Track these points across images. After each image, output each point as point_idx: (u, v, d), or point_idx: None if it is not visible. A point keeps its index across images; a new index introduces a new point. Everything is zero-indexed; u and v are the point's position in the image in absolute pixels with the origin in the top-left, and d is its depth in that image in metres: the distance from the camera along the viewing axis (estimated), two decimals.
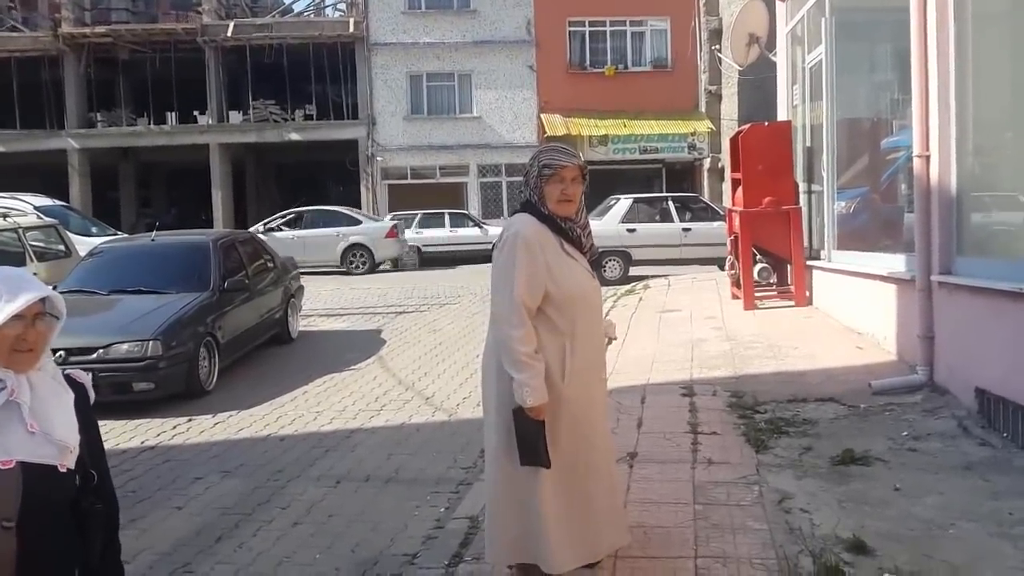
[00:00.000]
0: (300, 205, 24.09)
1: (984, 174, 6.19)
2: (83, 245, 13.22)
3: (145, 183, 32.65)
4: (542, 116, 27.15)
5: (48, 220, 12.94)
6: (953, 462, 4.77)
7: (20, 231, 11.25)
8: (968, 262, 5.82)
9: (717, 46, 23.96)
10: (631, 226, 16.71)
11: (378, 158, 27.67)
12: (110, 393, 7.36)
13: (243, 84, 28.09)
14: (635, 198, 17.64)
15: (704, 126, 26.66)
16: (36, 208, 14.61)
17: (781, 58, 11.44)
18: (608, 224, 16.19)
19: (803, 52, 10.47)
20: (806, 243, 10.20)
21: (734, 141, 11.16)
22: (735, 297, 10.86)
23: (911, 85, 6.24)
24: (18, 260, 10.44)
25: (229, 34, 27.40)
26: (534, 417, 3.13)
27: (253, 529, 4.76)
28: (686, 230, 16.84)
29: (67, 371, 2.25)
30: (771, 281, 10.61)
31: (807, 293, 10.07)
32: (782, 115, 11.32)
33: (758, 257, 10.45)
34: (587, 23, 27.95)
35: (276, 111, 28.04)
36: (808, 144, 10.49)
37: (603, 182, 20.00)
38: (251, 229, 18.40)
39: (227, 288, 8.98)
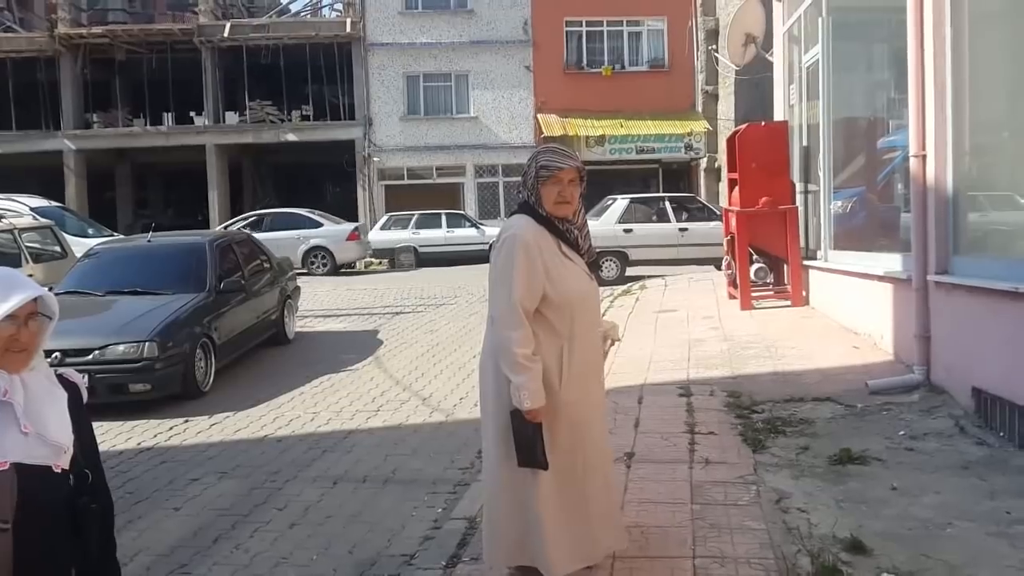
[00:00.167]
0: (264, 207, 24.13)
1: (980, 174, 6.20)
2: (79, 246, 13.23)
3: (141, 184, 32.63)
4: (539, 116, 27.16)
5: (44, 221, 12.93)
6: (950, 462, 4.77)
7: (16, 232, 11.23)
8: (965, 262, 5.82)
9: (714, 46, 23.99)
10: (628, 226, 16.72)
11: (375, 159, 27.66)
12: (106, 394, 7.38)
13: (240, 85, 28.05)
14: (632, 198, 17.65)
15: (701, 126, 26.68)
16: (32, 209, 14.60)
17: (778, 58, 11.45)
18: (605, 224, 16.20)
19: (800, 52, 10.47)
20: (803, 243, 10.20)
21: (731, 141, 11.16)
22: (732, 297, 10.86)
23: (908, 85, 6.24)
24: (14, 261, 10.42)
25: (226, 34, 27.37)
26: (531, 420, 3.12)
27: (250, 530, 4.76)
28: (683, 230, 16.85)
29: (59, 371, 2.25)
30: (768, 281, 10.61)
31: (804, 293, 10.08)
32: (779, 115, 11.32)
33: (755, 257, 10.46)
34: (584, 23, 27.95)
35: (273, 112, 28.01)
36: (805, 144, 10.49)
37: (600, 182, 20.03)
38: (216, 229, 18.39)
39: (223, 289, 8.97)
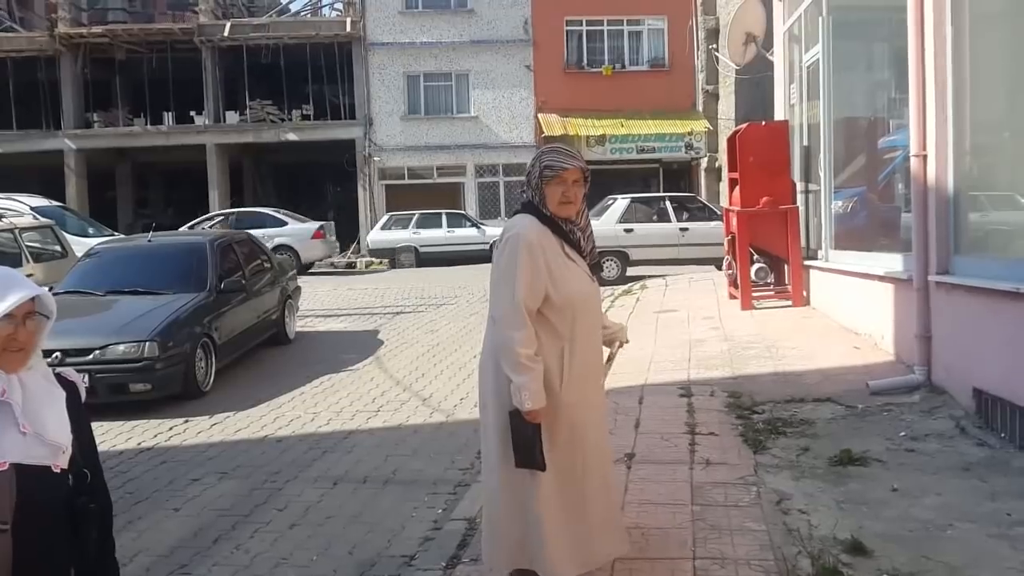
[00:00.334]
0: (232, 206, 24.16)
1: (981, 174, 6.19)
2: (80, 246, 13.23)
3: (142, 183, 32.62)
4: (539, 116, 27.15)
5: (44, 221, 12.92)
6: (951, 463, 4.76)
7: (16, 232, 11.23)
8: (965, 262, 5.82)
9: (714, 45, 23.97)
10: (628, 226, 16.73)
11: (375, 158, 27.65)
12: (107, 394, 7.39)
13: (240, 84, 28.04)
14: (632, 198, 17.65)
15: (701, 125, 26.67)
16: (32, 209, 14.58)
17: (778, 57, 11.44)
18: (605, 224, 16.19)
19: (800, 51, 10.46)
20: (803, 243, 10.19)
21: (731, 140, 11.15)
22: (732, 297, 10.85)
23: (908, 84, 6.24)
24: (14, 261, 10.42)
25: (226, 34, 27.36)
26: (531, 420, 3.12)
27: (250, 531, 4.75)
28: (683, 230, 16.84)
29: (58, 370, 2.24)
30: (768, 281, 10.60)
31: (804, 293, 10.07)
32: (779, 114, 11.31)
33: (755, 257, 10.45)
34: (584, 22, 27.94)
35: (273, 111, 28.00)
36: (805, 143, 10.48)
37: (600, 182, 19.88)
38: (181, 229, 18.36)
39: (224, 289, 8.97)
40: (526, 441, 3.13)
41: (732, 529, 3.98)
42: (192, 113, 27.87)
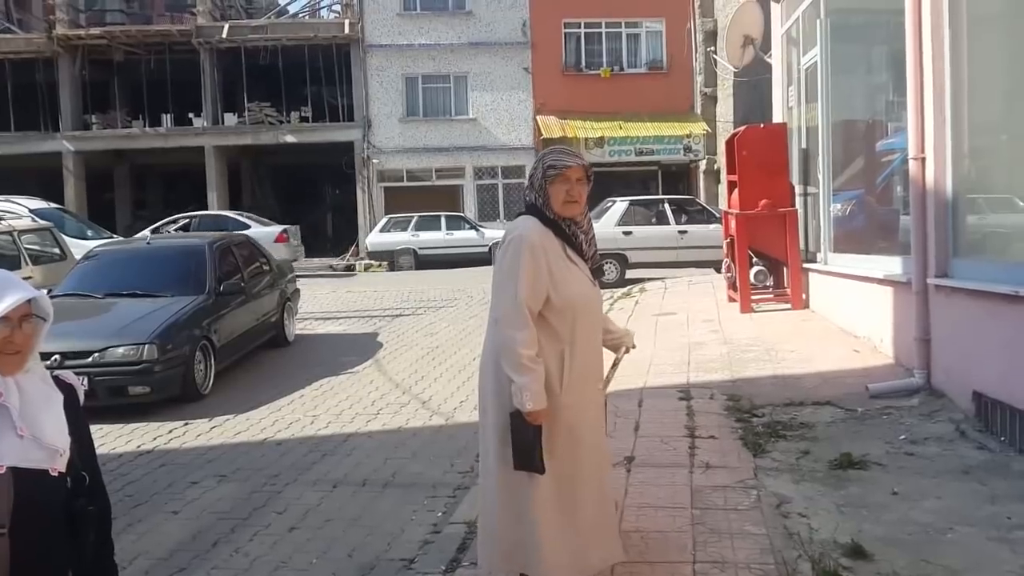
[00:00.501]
0: (190, 210, 24.15)
1: (980, 176, 6.20)
2: (78, 248, 13.21)
3: (140, 185, 32.58)
4: (538, 118, 27.15)
5: (43, 223, 12.92)
6: (951, 466, 4.77)
7: (15, 234, 11.22)
8: (964, 264, 5.82)
9: (712, 48, 24.00)
10: (627, 228, 16.72)
11: (374, 160, 27.64)
12: (106, 397, 7.38)
13: (238, 86, 28.03)
14: (631, 200, 17.65)
15: (700, 128, 26.68)
16: (31, 211, 14.60)
17: (776, 60, 11.45)
18: (604, 226, 16.16)
19: (798, 54, 10.47)
20: (802, 246, 10.20)
21: (730, 143, 11.16)
22: (731, 300, 10.85)
23: (906, 87, 6.24)
24: (13, 263, 10.41)
25: (224, 36, 27.34)
26: (532, 422, 3.11)
27: (249, 534, 4.75)
28: (682, 232, 16.84)
29: (56, 373, 2.24)
30: (767, 284, 10.61)
31: (803, 296, 10.07)
32: (777, 117, 11.32)
33: (754, 260, 10.45)
34: (582, 25, 27.94)
35: (271, 113, 27.99)
36: (804, 146, 10.49)
37: (599, 184, 19.68)
38: (141, 234, 18.30)
39: (223, 291, 8.97)
40: (526, 444, 3.13)
41: (732, 533, 3.97)
42: (190, 115, 27.86)
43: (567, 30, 27.91)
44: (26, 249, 11.26)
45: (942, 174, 5.93)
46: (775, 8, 11.23)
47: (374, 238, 23.64)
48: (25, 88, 27.25)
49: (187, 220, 22.07)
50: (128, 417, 7.33)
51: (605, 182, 22.91)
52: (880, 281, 7.39)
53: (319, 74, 27.53)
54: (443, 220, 23.58)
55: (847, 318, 8.52)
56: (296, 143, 28.14)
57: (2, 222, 11.29)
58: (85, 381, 6.72)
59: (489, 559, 3.41)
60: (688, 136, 26.89)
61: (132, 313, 8.20)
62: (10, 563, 1.99)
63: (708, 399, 6.46)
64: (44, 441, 2.04)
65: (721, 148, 19.31)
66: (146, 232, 20.34)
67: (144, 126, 28.12)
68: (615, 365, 3.76)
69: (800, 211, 10.27)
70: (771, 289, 10.58)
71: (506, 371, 3.15)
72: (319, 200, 34.31)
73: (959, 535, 3.86)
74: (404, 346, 10.40)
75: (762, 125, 11.07)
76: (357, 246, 26.41)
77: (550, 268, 3.20)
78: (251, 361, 9.56)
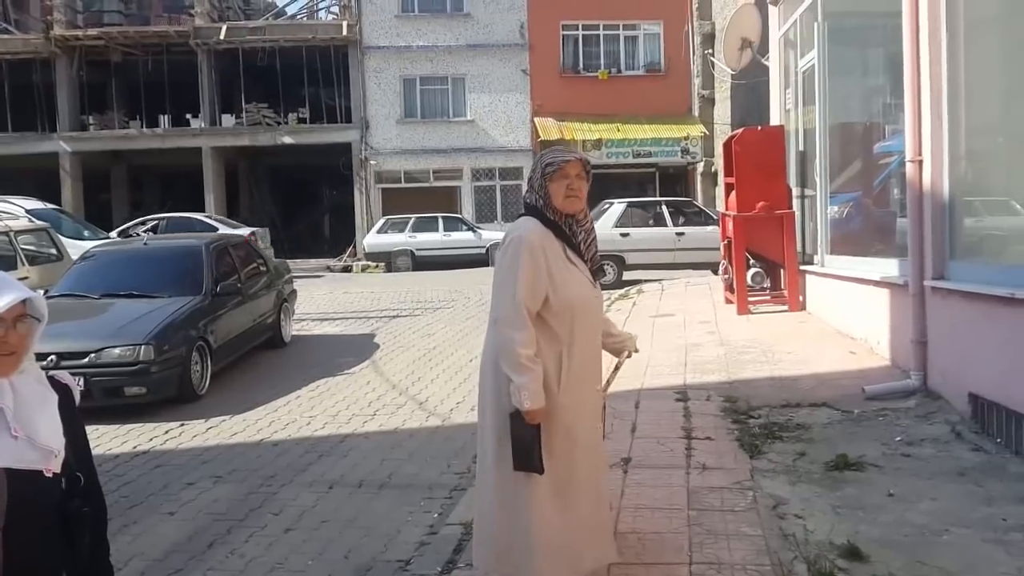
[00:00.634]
0: (166, 210, 24.10)
1: (977, 179, 6.20)
2: (75, 248, 13.18)
3: (137, 186, 32.54)
4: (535, 120, 27.17)
5: (40, 223, 12.92)
6: (947, 468, 4.77)
7: (11, 235, 11.21)
8: (961, 267, 5.83)
9: (710, 50, 24.02)
10: (625, 230, 16.73)
11: (371, 162, 27.64)
12: (102, 397, 7.37)
13: (236, 87, 28.01)
14: (629, 202, 17.68)
15: (697, 130, 26.70)
16: (27, 211, 14.59)
17: (774, 62, 11.47)
18: (602, 228, 16.13)
19: (796, 56, 10.49)
20: (799, 248, 10.21)
21: (727, 145, 11.17)
22: (728, 302, 10.86)
23: (903, 90, 6.26)
24: (9, 264, 10.40)
25: (222, 37, 27.34)
26: (530, 421, 3.11)
27: (245, 535, 4.74)
28: (680, 234, 16.86)
29: (51, 373, 2.23)
30: (764, 286, 10.63)
31: (800, 298, 10.08)
32: (775, 119, 11.33)
33: (751, 262, 10.47)
34: (580, 27, 27.97)
35: (269, 114, 27.98)
36: (801, 148, 10.51)
37: (597, 186, 19.77)
38: (110, 234, 18.18)
39: (220, 292, 8.96)
40: (526, 445, 3.13)
41: (728, 534, 3.97)
42: (188, 116, 27.85)
43: (565, 32, 27.95)
44: (22, 249, 11.26)
45: (939, 176, 5.94)
46: (773, 11, 11.25)
47: (371, 239, 23.65)
48: (22, 88, 27.23)
49: (156, 222, 22.06)
50: (124, 418, 7.32)
51: (603, 184, 22.93)
52: (877, 283, 7.40)
53: (317, 75, 27.53)
54: (440, 221, 23.60)
55: (844, 320, 8.53)
56: (294, 144, 28.14)
57: None
58: (81, 382, 6.71)
59: (485, 560, 3.40)
60: (686, 138, 26.91)
61: (128, 314, 8.19)
62: (3, 564, 1.98)
63: (705, 400, 6.47)
64: (38, 442, 2.03)
65: (719, 150, 19.32)
66: (113, 234, 20.35)
67: (141, 127, 28.12)
68: (617, 368, 3.75)
69: (797, 213, 10.29)
70: (768, 291, 10.59)
71: (505, 371, 3.16)
72: (317, 201, 34.32)
73: (955, 537, 3.86)
74: (401, 347, 10.39)
75: (760, 127, 11.08)
76: (354, 247, 26.41)
77: (549, 269, 3.20)
78: (248, 362, 9.55)
